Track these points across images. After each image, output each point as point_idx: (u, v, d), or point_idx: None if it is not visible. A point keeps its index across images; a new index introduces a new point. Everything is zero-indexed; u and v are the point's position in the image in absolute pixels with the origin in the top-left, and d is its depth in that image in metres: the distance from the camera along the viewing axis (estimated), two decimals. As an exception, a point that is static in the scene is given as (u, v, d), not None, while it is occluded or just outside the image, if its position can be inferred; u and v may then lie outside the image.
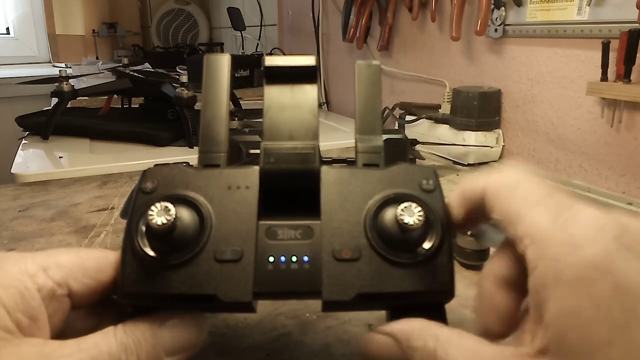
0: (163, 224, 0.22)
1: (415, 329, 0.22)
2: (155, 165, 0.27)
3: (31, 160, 0.80)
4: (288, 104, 0.27)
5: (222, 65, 0.28)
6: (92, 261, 0.24)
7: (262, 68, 0.28)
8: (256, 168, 0.25)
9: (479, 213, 0.24)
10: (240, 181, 0.25)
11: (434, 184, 0.25)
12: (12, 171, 0.74)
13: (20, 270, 0.22)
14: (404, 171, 0.25)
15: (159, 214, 0.22)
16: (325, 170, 0.25)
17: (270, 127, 0.27)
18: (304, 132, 0.26)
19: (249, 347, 0.33)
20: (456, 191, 0.25)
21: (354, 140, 0.28)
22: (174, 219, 0.22)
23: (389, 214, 0.23)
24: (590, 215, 0.19)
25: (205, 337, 0.25)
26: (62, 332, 0.24)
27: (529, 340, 0.20)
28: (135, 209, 0.24)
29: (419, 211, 0.22)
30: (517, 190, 0.22)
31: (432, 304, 0.24)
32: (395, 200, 0.23)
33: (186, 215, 0.23)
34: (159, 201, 0.22)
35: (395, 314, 0.24)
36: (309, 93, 0.28)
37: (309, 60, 0.27)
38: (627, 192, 0.66)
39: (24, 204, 0.62)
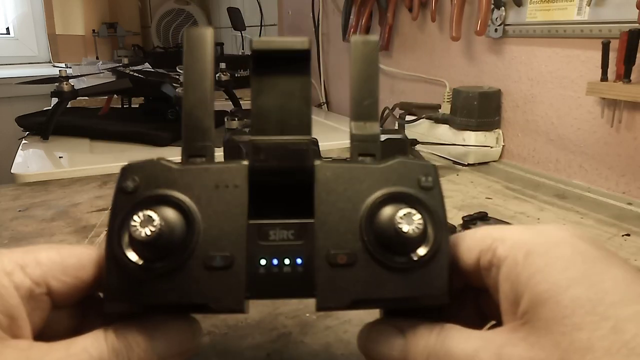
0: (147, 235, 0.20)
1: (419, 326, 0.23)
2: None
3: (31, 160, 0.80)
4: (278, 93, 0.24)
5: (204, 41, 0.25)
6: (73, 258, 0.23)
7: (250, 52, 0.24)
8: (245, 164, 0.23)
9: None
10: (229, 180, 0.23)
11: (433, 181, 0.23)
12: (12, 171, 0.74)
13: None
14: (402, 167, 0.23)
15: (142, 224, 0.20)
16: (319, 166, 0.23)
17: (259, 119, 0.24)
18: (296, 124, 0.24)
19: (249, 347, 0.33)
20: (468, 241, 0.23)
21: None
22: (159, 228, 0.21)
23: (385, 216, 0.22)
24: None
25: (199, 341, 0.24)
26: (43, 333, 0.23)
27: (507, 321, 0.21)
28: (116, 211, 0.22)
29: (419, 219, 0.21)
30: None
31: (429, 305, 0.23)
32: (393, 199, 0.22)
33: (172, 219, 0.21)
34: (141, 208, 0.21)
35: (391, 312, 0.24)
36: (302, 80, 0.24)
37: (301, 43, 0.24)
38: (627, 192, 0.66)
39: (24, 204, 0.62)
